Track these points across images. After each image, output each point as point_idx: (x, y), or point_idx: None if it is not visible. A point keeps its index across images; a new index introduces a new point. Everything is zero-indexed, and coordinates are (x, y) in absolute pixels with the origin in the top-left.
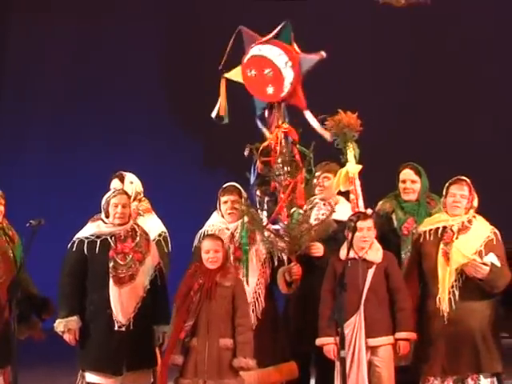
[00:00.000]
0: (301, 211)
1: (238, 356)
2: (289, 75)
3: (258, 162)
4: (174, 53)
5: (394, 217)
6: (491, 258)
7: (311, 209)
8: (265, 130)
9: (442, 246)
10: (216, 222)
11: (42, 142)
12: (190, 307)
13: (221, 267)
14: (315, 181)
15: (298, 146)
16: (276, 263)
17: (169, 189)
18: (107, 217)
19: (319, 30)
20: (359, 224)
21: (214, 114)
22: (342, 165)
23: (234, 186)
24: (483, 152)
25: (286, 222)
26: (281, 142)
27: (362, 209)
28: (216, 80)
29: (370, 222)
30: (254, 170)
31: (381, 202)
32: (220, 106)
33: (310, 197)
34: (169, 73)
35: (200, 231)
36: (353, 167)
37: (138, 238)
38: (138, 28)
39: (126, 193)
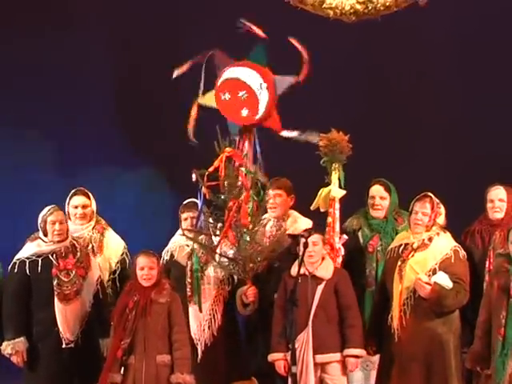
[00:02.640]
0: (247, 231)
1: (175, 372)
2: (264, 97)
3: (203, 187)
4: (124, 70)
5: (360, 234)
6: (439, 278)
7: (263, 226)
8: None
9: (399, 263)
10: (177, 239)
11: None
12: (127, 325)
13: (156, 284)
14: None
15: (243, 168)
16: (236, 280)
17: (118, 209)
18: (45, 235)
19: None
20: (309, 239)
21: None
22: (325, 185)
23: (195, 202)
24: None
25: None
26: (225, 167)
27: (337, 234)
28: (174, 100)
29: (316, 237)
30: (201, 196)
31: (349, 219)
32: (189, 132)
33: (259, 217)
34: (120, 92)
35: (165, 249)
36: (337, 191)
37: (78, 254)
38: (89, 45)
39: (60, 209)
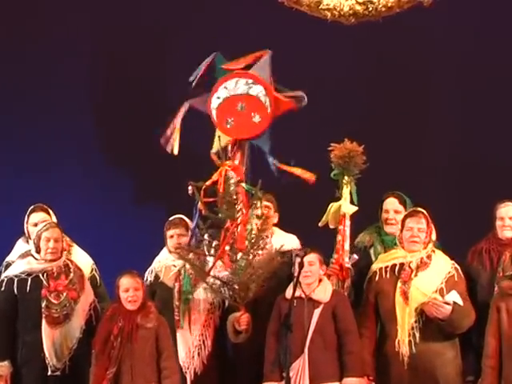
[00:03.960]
0: (243, 256)
1: None
2: (258, 90)
3: (199, 202)
4: (105, 81)
5: (372, 251)
6: (453, 297)
7: (262, 250)
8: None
9: (399, 284)
10: (163, 259)
11: None
12: (112, 353)
13: (141, 307)
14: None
15: (244, 184)
16: (227, 305)
17: (98, 228)
18: (38, 252)
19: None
20: (305, 258)
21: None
22: (336, 199)
23: (181, 218)
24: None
25: (229, 269)
26: (225, 181)
27: (347, 252)
28: (153, 113)
29: (313, 257)
30: (196, 211)
31: (361, 235)
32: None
33: (259, 240)
34: (101, 103)
35: (149, 269)
36: (348, 207)
37: (71, 275)
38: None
39: (57, 226)
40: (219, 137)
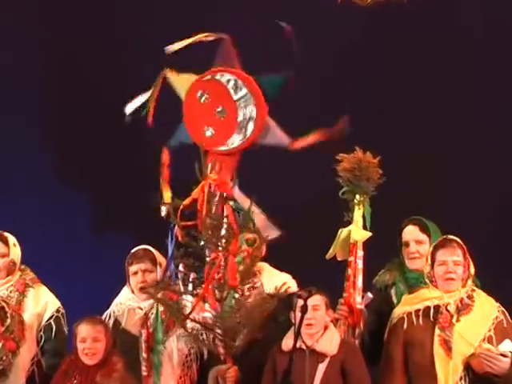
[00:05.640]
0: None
1: None
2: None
3: (176, 226)
4: (58, 87)
5: (393, 291)
6: (509, 347)
7: (253, 288)
8: None
9: (437, 331)
10: (125, 300)
11: None
12: None
13: (102, 363)
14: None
15: (232, 203)
16: (206, 355)
17: (50, 257)
18: None
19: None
20: (309, 301)
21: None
22: (345, 224)
23: (145, 250)
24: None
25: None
26: (208, 200)
27: (359, 290)
28: (111, 119)
29: (318, 299)
30: (172, 237)
31: (381, 272)
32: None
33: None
34: (51, 112)
35: (107, 312)
36: (358, 233)
37: (8, 321)
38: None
39: None
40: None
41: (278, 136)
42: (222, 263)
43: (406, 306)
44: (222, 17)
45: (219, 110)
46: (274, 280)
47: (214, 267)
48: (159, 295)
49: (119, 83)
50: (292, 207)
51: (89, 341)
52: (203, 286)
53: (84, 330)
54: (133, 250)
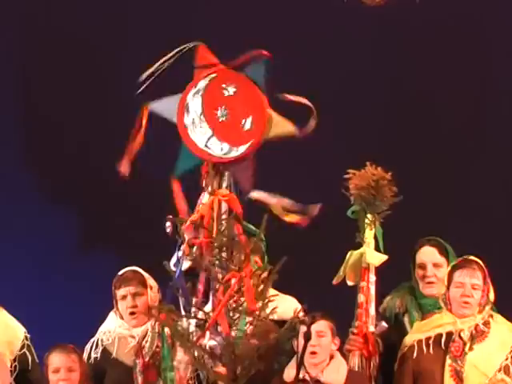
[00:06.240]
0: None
1: None
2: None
3: (183, 243)
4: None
5: (406, 319)
6: None
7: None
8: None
9: (449, 361)
10: (114, 327)
11: None
12: None
13: None
14: None
15: (243, 222)
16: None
17: (24, 278)
18: None
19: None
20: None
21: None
22: (355, 245)
23: (135, 271)
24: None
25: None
26: (218, 217)
27: (373, 319)
28: (99, 126)
29: (323, 325)
30: (179, 256)
31: (388, 298)
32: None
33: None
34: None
35: (92, 340)
36: (372, 256)
37: None
38: None
39: None
40: None
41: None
42: (237, 286)
43: (417, 333)
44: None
45: (220, 112)
46: (281, 305)
47: (228, 289)
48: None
49: (101, 96)
50: (297, 227)
51: (62, 371)
52: (208, 309)
53: (57, 359)
54: (120, 272)
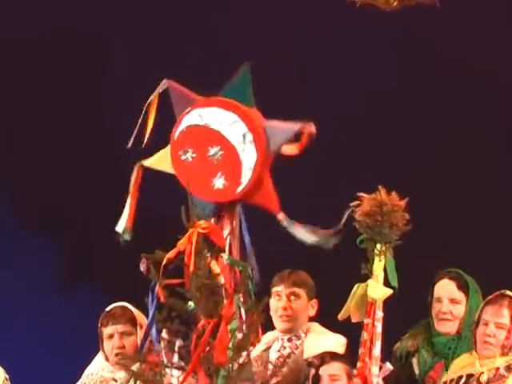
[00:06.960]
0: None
1: None
2: (249, 156)
3: (158, 285)
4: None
5: (415, 359)
6: None
7: (265, 350)
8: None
9: None
10: (98, 370)
11: None
12: None
13: None
14: (273, 300)
15: (225, 255)
16: None
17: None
18: None
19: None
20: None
21: (119, 228)
22: (362, 278)
23: (123, 307)
24: None
25: None
26: (197, 251)
27: (376, 360)
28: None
29: (336, 367)
30: (153, 297)
31: (405, 337)
32: (128, 216)
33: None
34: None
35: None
36: (377, 290)
37: None
38: None
39: None
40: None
41: (285, 130)
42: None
43: (450, 373)
44: None
45: (213, 152)
46: (319, 342)
47: (203, 335)
48: (136, 367)
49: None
50: (298, 257)
51: None
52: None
53: None
54: (108, 309)
